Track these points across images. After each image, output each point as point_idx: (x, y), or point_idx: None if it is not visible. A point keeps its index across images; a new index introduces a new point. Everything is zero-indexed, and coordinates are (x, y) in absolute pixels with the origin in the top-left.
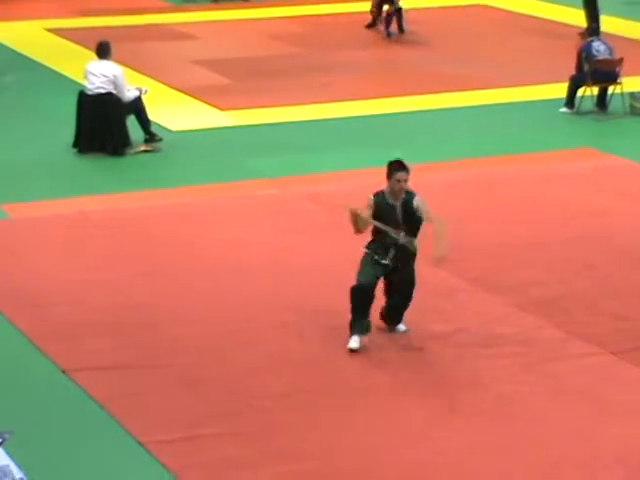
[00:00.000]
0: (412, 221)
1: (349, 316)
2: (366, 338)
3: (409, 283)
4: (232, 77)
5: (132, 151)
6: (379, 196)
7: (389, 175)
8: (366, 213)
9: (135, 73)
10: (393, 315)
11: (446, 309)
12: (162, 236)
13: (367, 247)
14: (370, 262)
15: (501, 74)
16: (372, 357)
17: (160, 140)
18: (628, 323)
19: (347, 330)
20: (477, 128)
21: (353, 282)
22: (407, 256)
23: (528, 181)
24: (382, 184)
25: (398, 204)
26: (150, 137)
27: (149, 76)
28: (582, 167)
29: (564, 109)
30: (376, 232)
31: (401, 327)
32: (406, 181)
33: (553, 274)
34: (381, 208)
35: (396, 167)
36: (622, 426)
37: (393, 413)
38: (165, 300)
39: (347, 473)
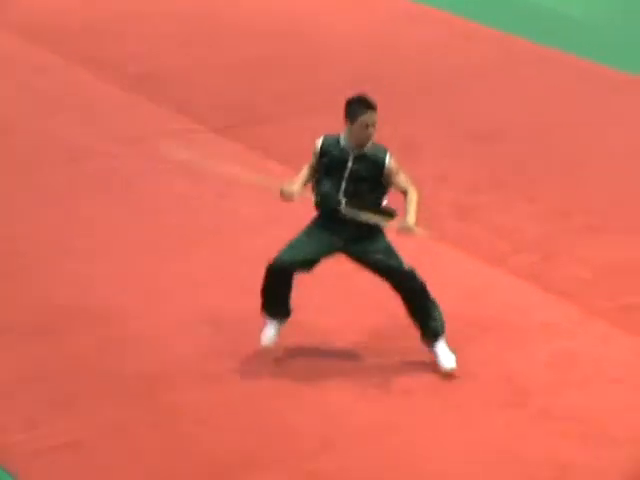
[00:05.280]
0: (362, 185)
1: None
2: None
3: (394, 268)
4: None
5: None
6: (330, 140)
7: (351, 118)
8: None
9: None
10: (417, 326)
11: None
12: None
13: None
14: (307, 231)
15: None
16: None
17: None
18: (226, 100)
19: None
20: None
21: None
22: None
23: None
24: None
25: (351, 157)
26: None
27: None
28: None
29: None
30: (313, 186)
31: (439, 350)
32: (375, 125)
33: (150, 49)
34: (329, 158)
35: (362, 106)
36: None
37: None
38: None
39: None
